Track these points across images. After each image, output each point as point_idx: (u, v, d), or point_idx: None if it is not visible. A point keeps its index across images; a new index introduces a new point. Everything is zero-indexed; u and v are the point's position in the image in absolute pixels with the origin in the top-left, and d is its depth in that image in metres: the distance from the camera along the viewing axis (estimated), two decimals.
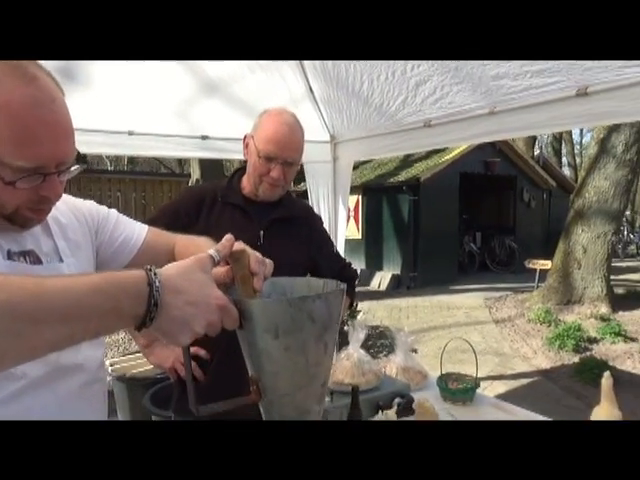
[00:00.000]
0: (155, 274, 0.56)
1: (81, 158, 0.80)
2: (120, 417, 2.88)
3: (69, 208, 0.92)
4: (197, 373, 1.45)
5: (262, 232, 1.45)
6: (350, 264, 1.82)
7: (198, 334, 0.59)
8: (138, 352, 3.25)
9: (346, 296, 1.75)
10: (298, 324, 0.62)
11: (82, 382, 0.84)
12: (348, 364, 2.02)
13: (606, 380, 1.34)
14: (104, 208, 1.00)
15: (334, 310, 0.66)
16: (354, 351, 2.04)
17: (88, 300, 0.52)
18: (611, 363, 4.69)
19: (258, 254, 0.72)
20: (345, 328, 2.08)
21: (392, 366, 2.33)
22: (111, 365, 2.81)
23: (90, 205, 0.98)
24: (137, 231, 1.00)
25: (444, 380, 2.18)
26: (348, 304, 1.72)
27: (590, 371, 4.41)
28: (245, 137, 1.51)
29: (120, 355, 4.25)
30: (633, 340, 5.48)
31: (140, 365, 2.80)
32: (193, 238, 1.00)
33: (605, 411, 1.33)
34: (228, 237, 0.68)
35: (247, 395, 0.68)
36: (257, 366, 0.66)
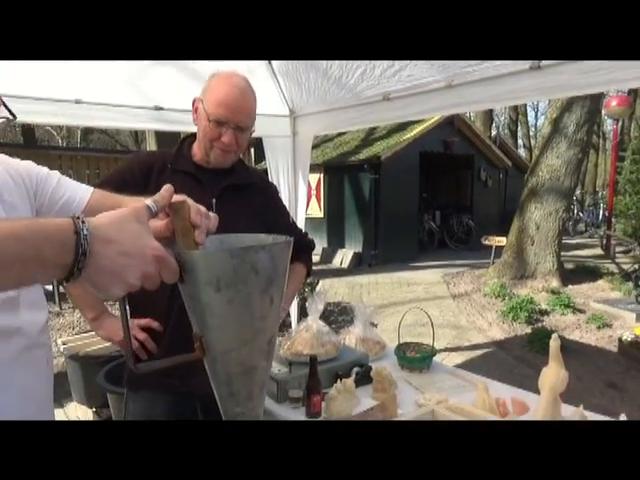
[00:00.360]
0: (83, 222, 0.53)
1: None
2: (74, 397, 2.80)
3: (5, 169, 0.86)
4: (150, 345, 1.41)
5: (214, 200, 1.41)
6: (307, 234, 1.80)
7: (133, 286, 0.56)
8: (92, 331, 3.16)
9: (303, 266, 1.76)
10: (241, 276, 0.60)
11: (21, 347, 0.80)
12: (307, 335, 2.03)
13: (554, 342, 1.38)
14: (44, 169, 0.95)
15: (279, 263, 0.64)
16: (313, 322, 2.04)
17: (7, 247, 0.49)
18: (560, 333, 4.91)
19: (201, 207, 0.69)
20: (306, 304, 2.07)
21: (351, 337, 2.35)
22: (64, 344, 2.72)
23: (28, 165, 0.92)
24: (81, 193, 0.95)
25: (402, 349, 2.23)
26: (305, 274, 1.71)
27: (541, 341, 4.61)
28: (194, 101, 1.44)
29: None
30: (581, 312, 5.76)
31: (93, 343, 2.73)
32: (142, 199, 0.96)
33: (553, 371, 1.38)
34: (167, 187, 0.65)
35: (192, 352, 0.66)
36: (200, 321, 0.64)
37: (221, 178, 1.47)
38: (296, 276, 1.71)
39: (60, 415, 3.30)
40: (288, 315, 4.17)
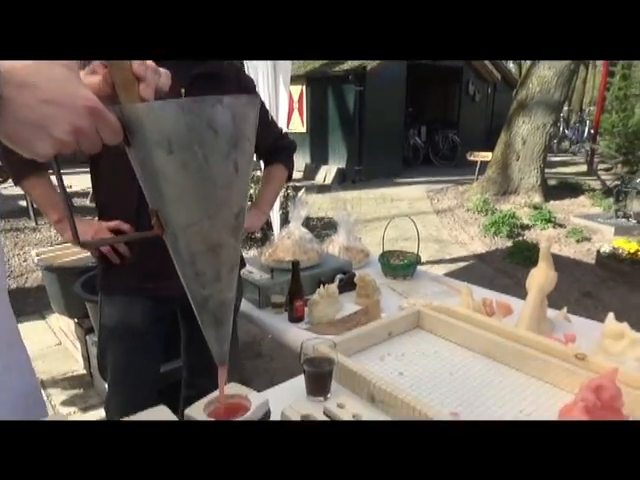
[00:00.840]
0: None
1: None
2: (55, 308, 2.76)
3: None
4: (122, 249, 1.33)
5: (184, 90, 1.26)
6: (287, 134, 1.67)
7: (63, 143, 0.46)
8: (66, 243, 3.07)
9: (283, 167, 1.65)
10: (196, 135, 0.50)
11: None
12: (289, 242, 1.97)
13: (545, 243, 1.34)
14: None
15: (243, 123, 0.54)
16: (295, 229, 1.97)
17: None
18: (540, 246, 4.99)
19: (149, 61, 0.57)
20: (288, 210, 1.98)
21: (335, 245, 2.30)
22: (38, 255, 2.63)
23: None
24: None
25: (386, 257, 2.19)
26: (286, 176, 1.60)
27: (521, 253, 4.67)
28: None
29: None
30: (561, 226, 5.82)
31: (68, 255, 2.65)
32: None
33: (542, 272, 1.35)
34: None
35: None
36: (154, 192, 0.55)
37: (192, 65, 1.31)
38: (276, 178, 1.61)
39: (43, 326, 3.30)
40: (270, 223, 4.09)
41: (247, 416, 0.80)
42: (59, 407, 2.44)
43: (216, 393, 0.88)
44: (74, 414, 2.39)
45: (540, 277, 1.33)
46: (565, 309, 1.59)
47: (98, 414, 2.35)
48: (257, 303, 1.84)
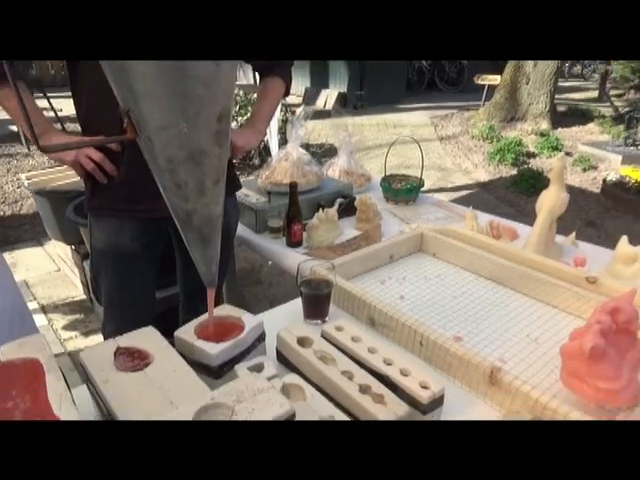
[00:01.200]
0: None
1: None
2: (50, 234, 2.72)
3: None
4: (108, 167, 1.25)
5: None
6: None
7: None
8: (58, 166, 2.97)
9: (280, 80, 1.52)
10: None
11: None
12: (287, 164, 1.88)
13: (558, 161, 1.25)
14: None
15: None
16: (293, 150, 1.87)
17: None
18: (546, 174, 4.87)
19: None
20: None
21: (335, 169, 2.21)
22: (28, 179, 2.54)
23: None
24: None
25: (388, 181, 2.11)
26: (284, 91, 1.48)
27: (526, 181, 4.57)
28: None
29: None
30: (568, 154, 5.65)
31: (60, 178, 2.56)
32: None
33: (554, 193, 1.27)
34: None
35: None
36: (124, 88, 0.46)
37: None
38: (273, 92, 1.48)
39: (41, 253, 3.27)
40: (268, 148, 3.93)
41: (240, 338, 0.76)
42: (61, 332, 2.46)
43: (206, 315, 0.84)
44: (75, 338, 2.41)
45: (551, 198, 1.26)
46: (574, 234, 1.53)
47: (99, 339, 2.37)
48: (254, 228, 1.78)
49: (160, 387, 0.64)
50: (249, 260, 3.19)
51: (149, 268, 1.43)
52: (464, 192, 4.56)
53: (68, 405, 0.52)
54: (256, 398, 0.57)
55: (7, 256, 3.25)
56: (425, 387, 0.72)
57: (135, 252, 1.36)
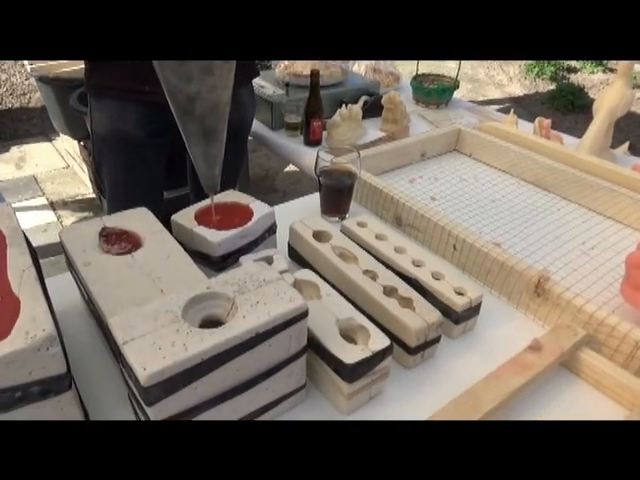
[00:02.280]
0: None
1: None
2: (56, 126, 2.59)
3: None
4: None
5: None
6: None
7: None
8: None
9: None
10: None
11: None
12: None
13: None
14: None
15: None
16: None
17: None
18: (586, 91, 4.51)
19: None
20: None
21: (361, 65, 2.00)
22: (31, 64, 2.37)
23: None
24: None
25: (419, 80, 1.90)
26: None
27: (564, 98, 4.24)
28: None
29: None
30: (612, 71, 5.20)
31: (64, 66, 2.37)
32: None
33: (617, 91, 1.09)
34: None
35: None
36: None
37: None
38: None
39: (50, 148, 3.16)
40: None
41: (248, 227, 0.65)
42: None
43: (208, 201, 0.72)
44: None
45: (614, 96, 1.08)
46: (627, 144, 1.36)
47: None
48: (270, 124, 1.63)
49: (149, 273, 0.54)
50: (263, 166, 3.05)
51: (155, 161, 1.31)
52: (495, 106, 4.26)
53: (31, 284, 0.42)
54: (261, 290, 0.46)
55: (15, 150, 3.15)
56: (460, 293, 0.62)
57: (140, 140, 1.23)
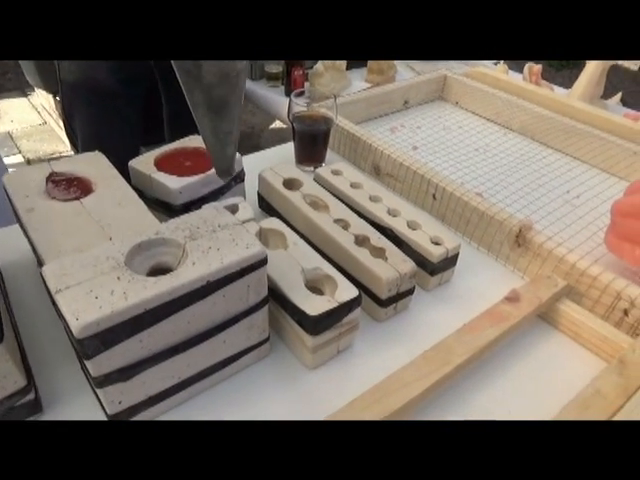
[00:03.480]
0: None
1: None
2: (30, 80, 2.46)
3: None
4: None
5: None
6: None
7: None
8: None
9: None
10: None
11: None
12: None
13: None
14: None
15: None
16: None
17: None
18: None
19: None
20: None
21: None
22: None
23: None
24: None
25: None
26: None
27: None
28: None
29: None
30: None
31: None
32: None
33: None
34: None
35: None
36: None
37: None
38: None
39: (26, 104, 3.04)
40: None
41: (211, 173, 0.61)
42: None
43: (173, 145, 0.67)
44: None
45: None
46: (619, 94, 1.31)
47: None
48: (249, 74, 1.55)
49: (98, 220, 0.49)
50: (248, 123, 2.96)
51: (130, 113, 1.24)
52: (486, 62, 4.14)
53: None
54: (215, 235, 0.42)
55: None
56: (437, 243, 0.59)
57: (112, 89, 1.16)
